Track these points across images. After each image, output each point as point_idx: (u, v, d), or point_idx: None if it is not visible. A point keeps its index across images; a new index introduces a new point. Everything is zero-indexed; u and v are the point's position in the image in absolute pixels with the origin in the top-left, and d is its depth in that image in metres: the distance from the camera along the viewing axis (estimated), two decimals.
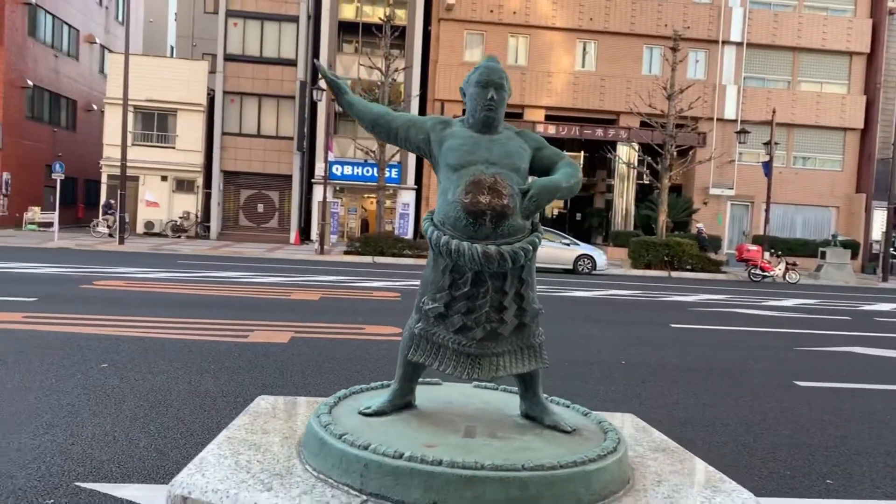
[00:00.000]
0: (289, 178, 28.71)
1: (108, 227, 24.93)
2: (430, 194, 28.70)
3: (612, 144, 28.92)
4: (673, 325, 10.51)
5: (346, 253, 22.64)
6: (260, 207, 29.25)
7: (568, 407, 2.50)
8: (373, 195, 27.80)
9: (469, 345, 2.15)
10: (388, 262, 21.09)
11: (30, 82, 27.99)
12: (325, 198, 23.35)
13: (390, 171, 26.45)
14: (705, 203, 30.25)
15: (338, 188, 28.53)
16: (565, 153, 2.51)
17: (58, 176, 22.01)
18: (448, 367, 2.15)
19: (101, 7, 34.82)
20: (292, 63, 28.45)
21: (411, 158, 28.48)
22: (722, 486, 2.17)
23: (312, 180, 28.61)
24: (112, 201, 25.69)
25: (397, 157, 26.29)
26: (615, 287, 16.87)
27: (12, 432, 4.22)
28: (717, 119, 29.65)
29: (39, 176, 28.85)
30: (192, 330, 7.83)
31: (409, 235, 27.34)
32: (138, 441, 4.20)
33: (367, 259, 21.50)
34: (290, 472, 1.49)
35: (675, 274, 22.10)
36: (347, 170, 28.51)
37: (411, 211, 28.89)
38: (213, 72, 28.60)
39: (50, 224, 25.43)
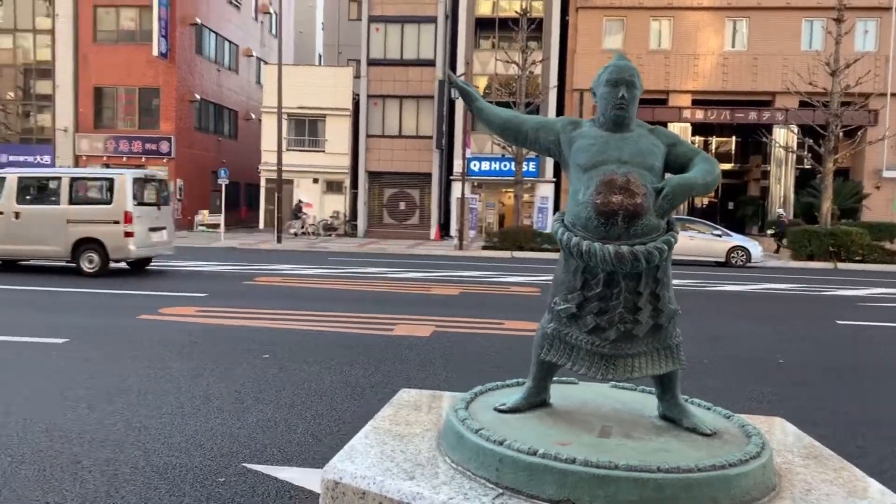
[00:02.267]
0: (428, 175, 29.48)
1: (303, 226, 26.92)
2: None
3: (768, 127, 26.96)
4: (839, 322, 9.66)
5: (485, 248, 22.89)
6: (402, 205, 30.28)
7: (709, 409, 2.41)
8: (510, 189, 27.87)
9: (603, 345, 2.13)
10: (526, 257, 21.07)
11: (197, 96, 30.79)
12: (463, 194, 23.74)
13: (528, 165, 26.37)
14: (878, 187, 27.42)
15: (476, 184, 28.88)
16: (701, 149, 2.40)
17: (223, 181, 24.05)
18: (582, 368, 2.15)
19: (256, 22, 37.56)
20: (431, 63, 29.13)
21: None
22: (884, 500, 2.00)
23: (451, 177, 29.17)
24: (301, 202, 27.69)
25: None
26: (773, 280, 15.76)
27: (189, 415, 4.71)
28: (892, 94, 26.74)
29: (207, 182, 31.69)
30: (343, 323, 8.29)
31: (548, 230, 27.12)
32: (296, 427, 4.53)
33: (506, 254, 21.60)
34: (431, 462, 1.58)
35: (841, 265, 20.24)
36: (485, 165, 28.78)
37: (550, 205, 28.65)
38: (357, 77, 29.95)
39: (217, 225, 27.87)
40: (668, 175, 2.29)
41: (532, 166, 27.68)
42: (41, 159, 29.85)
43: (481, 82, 28.50)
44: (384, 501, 1.36)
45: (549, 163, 28.63)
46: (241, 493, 3.52)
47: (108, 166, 29.75)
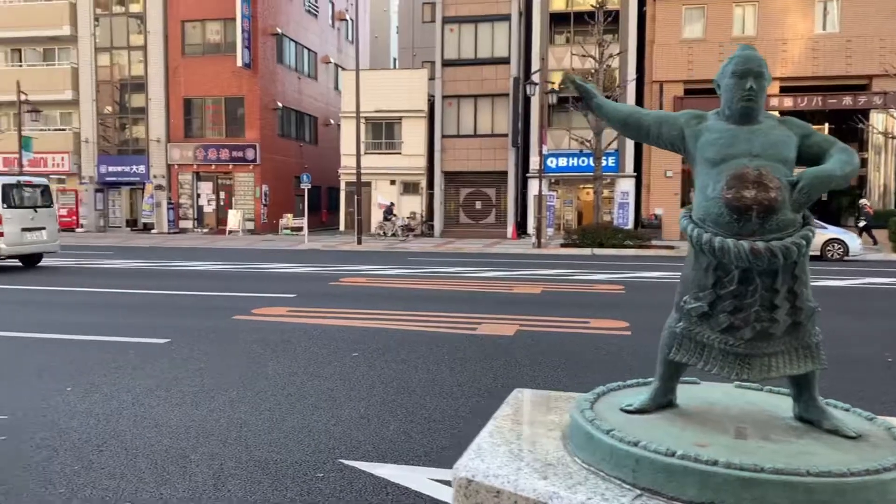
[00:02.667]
0: (504, 174, 29.38)
1: (394, 228, 27.46)
2: (652, 181, 27.57)
3: (864, 113, 25.43)
4: None
5: (564, 245, 22.60)
6: (478, 204, 30.30)
7: (847, 410, 2.28)
8: (589, 186, 27.40)
9: (738, 345, 2.06)
10: (608, 254, 20.67)
11: (279, 104, 31.82)
12: (540, 191, 23.52)
13: (607, 160, 25.86)
14: None
15: (553, 180, 28.57)
16: (836, 139, 2.27)
17: (305, 186, 24.78)
18: (714, 368, 2.08)
19: (333, 29, 38.46)
20: (505, 61, 29.02)
21: (629, 146, 27.60)
22: None
23: (527, 174, 28.97)
24: (392, 204, 28.22)
25: (614, 145, 25.63)
26: (873, 274, 14.85)
27: (286, 412, 4.85)
28: None
29: (290, 186, 32.70)
30: (427, 322, 8.36)
31: (629, 225, 26.52)
32: (388, 424, 4.60)
33: (586, 251, 21.26)
34: (561, 462, 1.57)
35: None
36: (562, 161, 28.43)
37: (631, 200, 28.00)
38: (432, 78, 30.19)
39: (300, 228, 28.72)
40: (797, 168, 2.18)
41: (611, 161, 27.14)
42: (137, 169, 31.58)
43: (556, 78, 28.16)
44: (519, 500, 1.36)
45: (630, 157, 28.00)
46: (340, 489, 3.59)
47: (197, 174, 31.18)
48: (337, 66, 38.15)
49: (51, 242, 15.52)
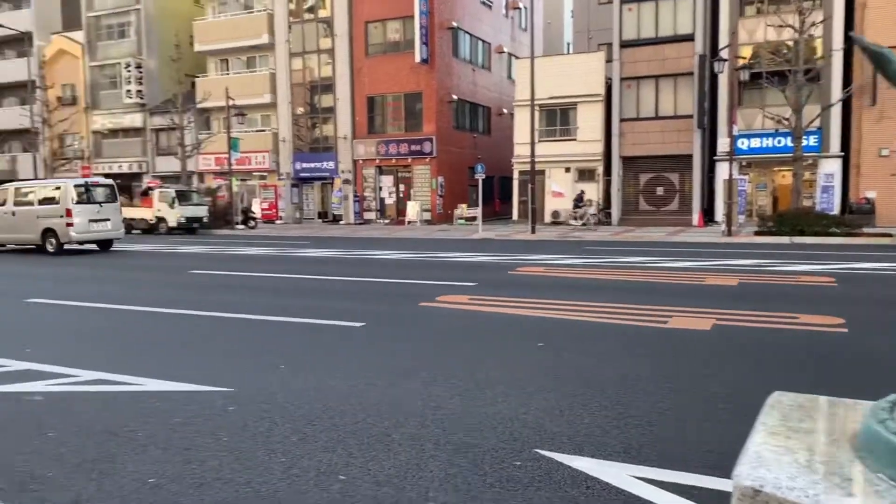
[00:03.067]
0: (689, 157, 27.75)
1: (584, 216, 27.19)
2: (862, 161, 24.63)
3: None
4: None
5: (758, 233, 20.88)
6: (659, 190, 28.93)
7: None
8: (786, 168, 25.10)
9: None
10: (810, 243, 18.80)
11: (454, 97, 32.56)
12: (730, 175, 21.91)
13: (808, 139, 23.48)
14: None
15: (744, 163, 26.51)
16: None
17: (479, 176, 25.16)
18: None
19: (507, 19, 38.57)
20: (689, 38, 27.35)
21: (835, 123, 24.86)
22: None
23: (715, 157, 27.14)
24: (583, 193, 27.94)
25: (816, 123, 23.20)
26: None
27: (478, 398, 4.91)
28: None
29: (464, 177, 33.40)
30: (611, 313, 8.09)
31: (835, 211, 23.92)
32: (581, 417, 4.48)
33: (784, 239, 19.49)
34: (863, 478, 1.38)
35: None
36: (755, 142, 26.28)
37: (836, 183, 25.23)
38: (609, 60, 29.25)
39: (474, 218, 29.25)
40: None
41: (813, 140, 24.62)
42: (326, 165, 33.94)
43: (747, 53, 26.04)
44: None
45: (835, 135, 25.23)
46: (538, 479, 3.55)
47: (379, 168, 32.85)
48: (510, 55, 38.24)
49: (115, 231, 19.22)
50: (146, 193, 29.64)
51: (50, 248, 17.87)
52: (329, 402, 4.87)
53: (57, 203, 17.77)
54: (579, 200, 27.68)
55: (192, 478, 3.66)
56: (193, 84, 35.23)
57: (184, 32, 35.29)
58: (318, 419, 4.53)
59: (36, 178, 36.39)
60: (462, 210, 31.09)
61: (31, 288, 11.44)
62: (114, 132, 40.09)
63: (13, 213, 18.26)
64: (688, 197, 28.14)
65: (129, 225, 28.86)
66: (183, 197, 28.12)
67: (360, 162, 33.05)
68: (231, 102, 31.11)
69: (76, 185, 18.29)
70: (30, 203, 18.22)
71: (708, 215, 27.33)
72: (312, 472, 3.69)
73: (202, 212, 28.73)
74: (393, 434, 4.23)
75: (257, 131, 35.70)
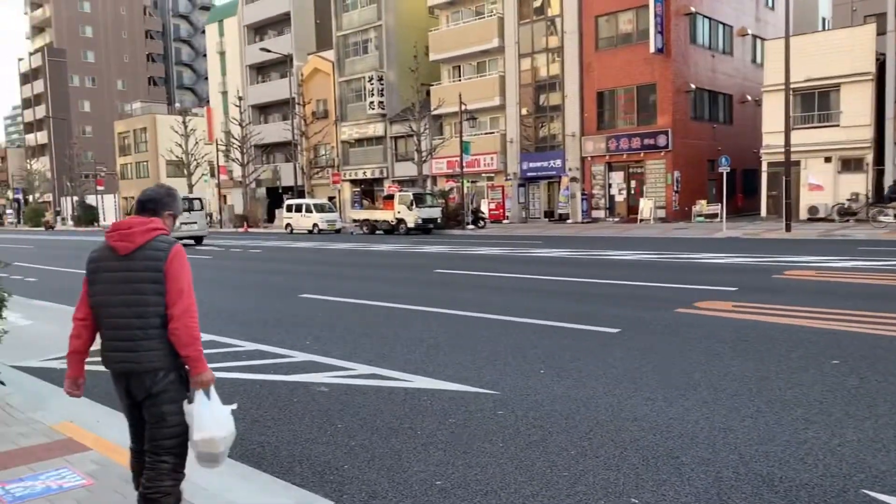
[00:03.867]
0: None
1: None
2: None
3: None
4: None
5: None
6: None
7: None
8: None
9: None
10: None
11: (692, 86, 30.50)
12: None
13: None
14: None
15: None
16: None
17: (724, 169, 23.22)
18: None
19: None
20: None
21: None
22: None
23: None
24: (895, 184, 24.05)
25: None
26: None
27: (773, 423, 4.32)
28: None
29: (702, 171, 31.16)
30: None
31: None
32: None
33: None
34: None
35: None
36: None
37: None
38: (881, 33, 25.36)
39: (715, 215, 27.14)
40: None
41: None
42: (553, 163, 33.80)
43: None
44: None
45: None
46: None
47: (609, 164, 31.93)
48: (754, 36, 34.95)
49: (200, 231, 26.75)
50: (389, 198, 31.84)
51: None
52: (600, 416, 4.61)
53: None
54: (893, 191, 23.18)
55: (478, 484, 3.62)
56: (428, 92, 37.16)
57: (420, 44, 37.36)
58: (592, 433, 4.30)
59: (296, 185, 41.07)
60: (701, 206, 29.01)
61: (301, 284, 12.71)
62: (359, 141, 43.76)
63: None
64: None
65: (374, 226, 31.34)
66: (419, 199, 29.76)
67: (589, 159, 32.39)
68: (464, 107, 32.26)
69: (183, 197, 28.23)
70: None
71: None
72: (600, 491, 3.46)
73: (436, 213, 30.18)
74: (681, 456, 3.86)
75: (486, 134, 36.63)
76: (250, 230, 39.85)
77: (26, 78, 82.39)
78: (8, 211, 73.15)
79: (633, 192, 31.43)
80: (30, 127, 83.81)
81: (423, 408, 4.95)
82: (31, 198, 67.76)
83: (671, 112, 29.45)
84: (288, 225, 34.70)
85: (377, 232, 31.11)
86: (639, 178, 31.29)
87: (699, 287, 10.07)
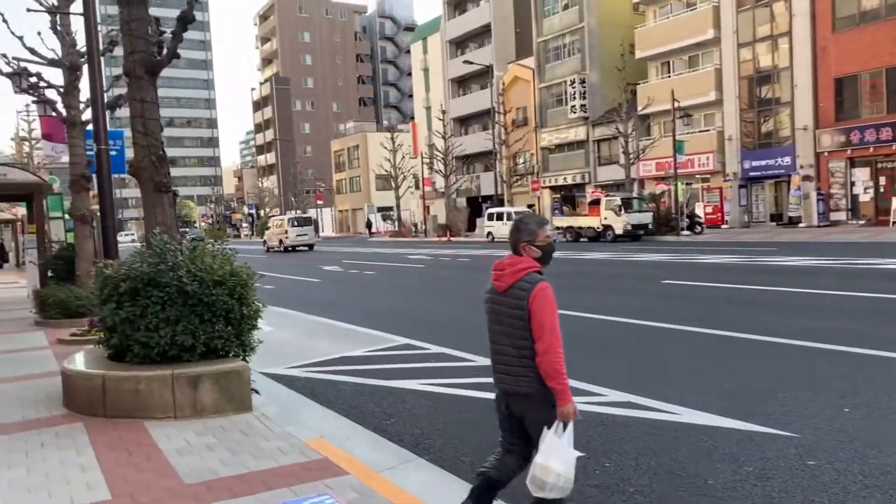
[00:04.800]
0: None
1: None
2: None
3: None
4: None
5: None
6: None
7: None
8: None
9: None
10: None
11: None
12: None
13: None
14: None
15: None
16: None
17: None
18: None
19: None
20: None
21: None
22: None
23: None
24: None
25: None
26: None
27: None
28: None
29: None
30: None
31: None
32: None
33: None
34: None
35: None
36: None
37: None
38: None
39: None
40: None
41: None
42: (781, 161, 30.43)
43: None
44: None
45: None
46: None
47: (851, 160, 28.03)
48: None
49: (311, 240, 36.18)
50: (594, 203, 30.67)
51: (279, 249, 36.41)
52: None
53: (281, 226, 36.98)
54: None
55: None
56: (634, 92, 35.40)
57: (625, 42, 35.75)
58: None
59: (496, 194, 41.34)
60: None
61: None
62: (559, 147, 42.93)
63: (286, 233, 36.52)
64: None
65: (577, 233, 30.36)
66: (627, 204, 28.26)
67: (825, 154, 28.64)
68: (676, 104, 30.22)
69: (290, 219, 37.75)
70: (278, 225, 37.89)
71: None
72: None
73: (647, 218, 28.47)
74: None
75: (700, 132, 34.01)
76: (452, 239, 40.75)
77: (258, 105, 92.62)
78: (244, 224, 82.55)
79: (882, 190, 27.23)
80: (260, 149, 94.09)
81: (704, 449, 4.13)
82: (262, 212, 75.61)
83: None
84: (489, 233, 34.86)
85: (581, 239, 30.09)
86: (890, 175, 27.05)
87: None
